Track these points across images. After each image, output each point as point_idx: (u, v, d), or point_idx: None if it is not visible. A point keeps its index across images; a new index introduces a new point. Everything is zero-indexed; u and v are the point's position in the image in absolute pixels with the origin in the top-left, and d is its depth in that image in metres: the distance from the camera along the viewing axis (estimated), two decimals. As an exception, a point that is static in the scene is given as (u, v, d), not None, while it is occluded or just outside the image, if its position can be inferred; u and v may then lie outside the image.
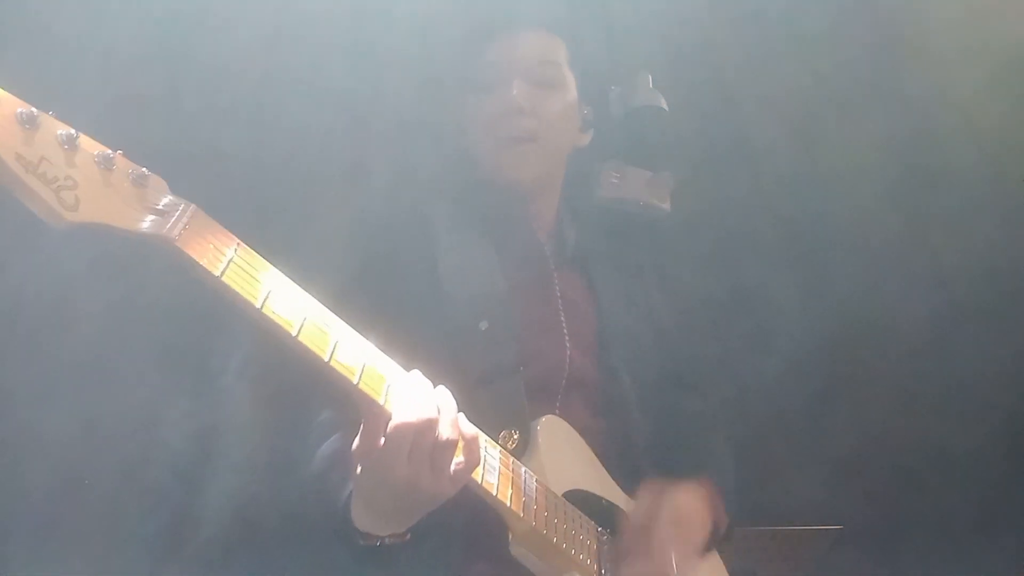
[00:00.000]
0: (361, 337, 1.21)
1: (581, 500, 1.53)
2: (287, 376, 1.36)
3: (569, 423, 1.60)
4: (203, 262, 1.05)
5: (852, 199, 2.65)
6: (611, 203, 1.96)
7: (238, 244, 1.10)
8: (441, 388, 1.27)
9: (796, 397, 2.72)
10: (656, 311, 1.89)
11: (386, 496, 1.25)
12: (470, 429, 1.27)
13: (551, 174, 1.80)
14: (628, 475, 1.66)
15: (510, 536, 1.40)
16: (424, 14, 1.90)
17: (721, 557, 1.79)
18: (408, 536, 1.32)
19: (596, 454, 1.63)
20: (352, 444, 1.26)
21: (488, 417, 1.41)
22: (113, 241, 1.01)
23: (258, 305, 1.08)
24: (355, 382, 1.17)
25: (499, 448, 1.39)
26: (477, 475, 1.29)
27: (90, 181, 0.99)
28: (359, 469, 1.26)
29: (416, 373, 1.26)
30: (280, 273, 1.14)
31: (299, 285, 1.16)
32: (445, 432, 1.21)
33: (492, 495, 1.32)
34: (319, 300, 1.18)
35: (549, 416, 1.57)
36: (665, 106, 1.97)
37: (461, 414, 1.27)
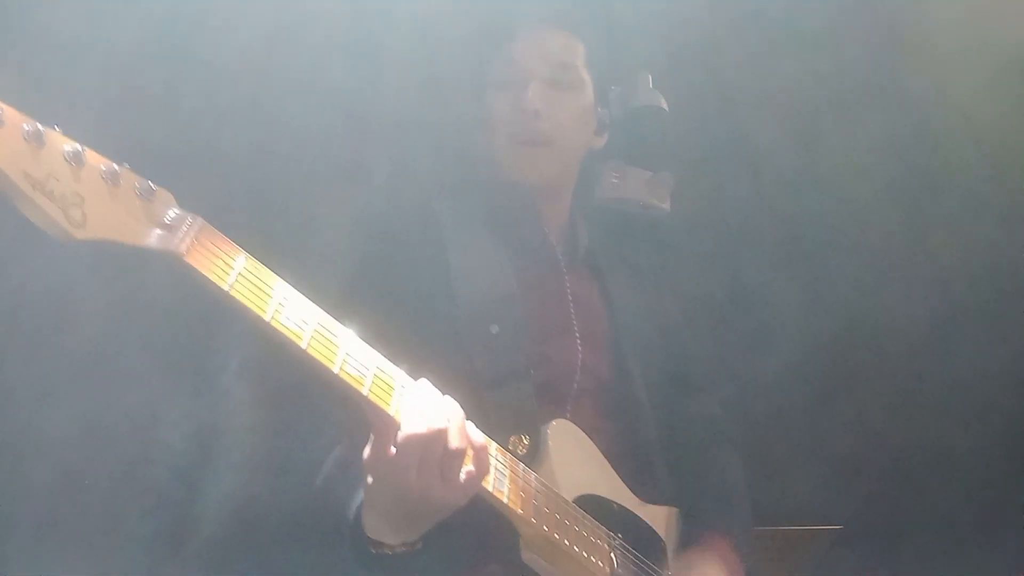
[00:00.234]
0: (369, 347, 1.21)
1: (593, 505, 1.52)
2: (287, 376, 1.36)
3: (580, 426, 1.59)
4: (211, 276, 1.05)
5: (852, 199, 2.65)
6: (611, 203, 1.95)
7: (246, 257, 1.11)
8: (448, 398, 1.27)
9: (796, 397, 2.72)
10: (667, 312, 1.89)
11: (397, 505, 1.25)
12: (479, 438, 1.27)
13: (564, 176, 1.79)
14: (640, 479, 1.65)
15: (521, 542, 1.39)
16: (442, 13, 1.89)
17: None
18: (419, 544, 1.31)
19: (607, 457, 1.62)
20: (359, 451, 1.26)
21: (498, 422, 1.41)
22: (120, 255, 1.01)
23: (267, 318, 1.09)
24: (364, 392, 1.17)
25: (508, 455, 1.38)
26: (487, 483, 1.29)
27: (97, 196, 0.99)
28: (370, 479, 1.26)
29: (424, 382, 1.26)
30: (288, 285, 1.14)
31: (308, 293, 1.16)
32: (454, 442, 1.22)
33: (502, 502, 1.32)
34: (330, 304, 1.18)
35: (559, 420, 1.56)
36: (665, 106, 1.97)
37: (470, 423, 1.27)
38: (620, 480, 1.62)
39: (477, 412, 1.30)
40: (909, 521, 2.88)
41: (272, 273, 1.13)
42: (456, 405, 1.26)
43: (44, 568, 1.88)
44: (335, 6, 2.02)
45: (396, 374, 1.24)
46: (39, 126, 0.94)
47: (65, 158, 0.96)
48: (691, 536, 1.70)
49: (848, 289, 2.75)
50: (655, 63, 2.02)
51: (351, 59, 2.05)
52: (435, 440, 1.20)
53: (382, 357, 1.23)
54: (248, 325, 1.09)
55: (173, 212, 1.06)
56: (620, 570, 1.50)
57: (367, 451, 1.25)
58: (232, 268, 1.08)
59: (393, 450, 1.21)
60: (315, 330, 1.14)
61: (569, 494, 1.48)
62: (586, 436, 1.59)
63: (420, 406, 1.22)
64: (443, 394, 1.28)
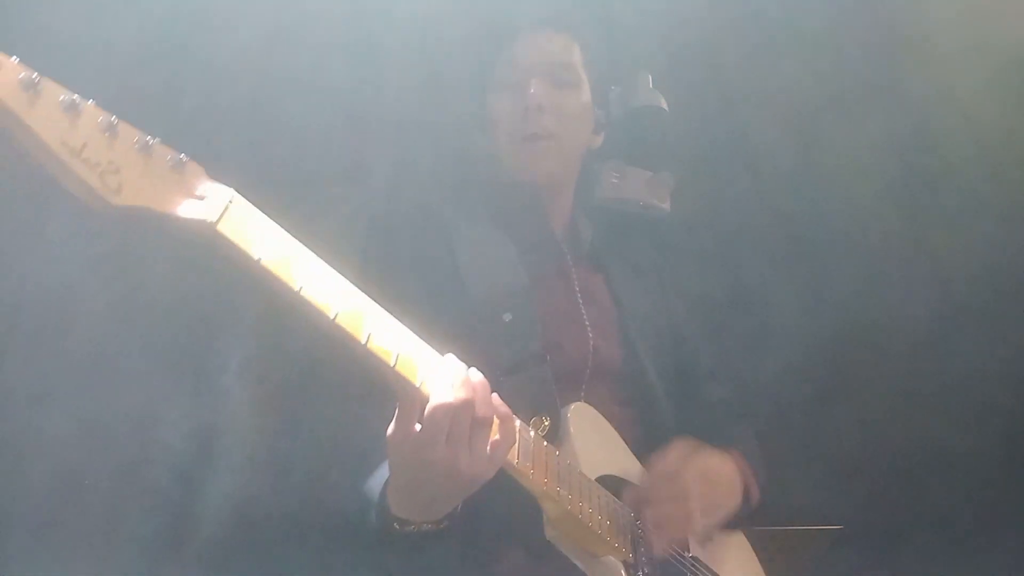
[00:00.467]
0: (396, 320, 1.21)
1: (613, 485, 1.54)
2: (287, 376, 1.36)
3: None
4: (242, 246, 1.06)
5: (852, 199, 2.65)
6: (611, 203, 1.97)
7: (277, 229, 1.11)
8: (474, 369, 1.27)
9: (796, 397, 2.72)
10: (671, 307, 1.94)
11: (424, 481, 1.25)
12: (504, 408, 1.27)
13: (566, 172, 1.84)
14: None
15: (544, 519, 1.40)
16: (443, 14, 1.91)
17: (750, 542, 1.80)
18: (445, 523, 1.31)
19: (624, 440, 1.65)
20: (379, 436, 1.26)
21: (518, 405, 1.41)
22: (152, 225, 1.03)
23: (296, 288, 1.09)
24: (392, 364, 1.17)
25: (532, 431, 1.38)
26: (512, 456, 1.29)
27: (131, 166, 1.01)
28: (395, 456, 1.25)
29: (450, 356, 1.27)
30: (315, 256, 1.14)
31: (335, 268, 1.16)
32: (481, 410, 1.22)
33: (528, 476, 1.32)
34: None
35: (578, 403, 1.59)
36: (665, 106, 1.98)
37: (495, 394, 1.27)
38: (638, 462, 1.65)
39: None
40: (909, 521, 2.88)
41: (302, 245, 1.14)
42: (481, 376, 1.26)
43: (44, 568, 1.88)
44: (337, 7, 2.02)
45: (422, 348, 1.24)
46: (75, 97, 0.96)
47: (100, 127, 0.98)
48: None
49: (848, 289, 2.74)
50: (655, 63, 2.03)
51: (352, 60, 2.05)
52: (463, 409, 1.20)
53: (408, 331, 1.23)
54: (277, 297, 1.09)
55: (204, 183, 1.07)
56: (641, 549, 1.52)
57: (392, 428, 1.24)
58: (263, 240, 1.09)
59: (418, 426, 1.21)
60: (343, 302, 1.14)
61: (590, 474, 1.50)
62: (603, 419, 1.62)
63: (448, 377, 1.22)
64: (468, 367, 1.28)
